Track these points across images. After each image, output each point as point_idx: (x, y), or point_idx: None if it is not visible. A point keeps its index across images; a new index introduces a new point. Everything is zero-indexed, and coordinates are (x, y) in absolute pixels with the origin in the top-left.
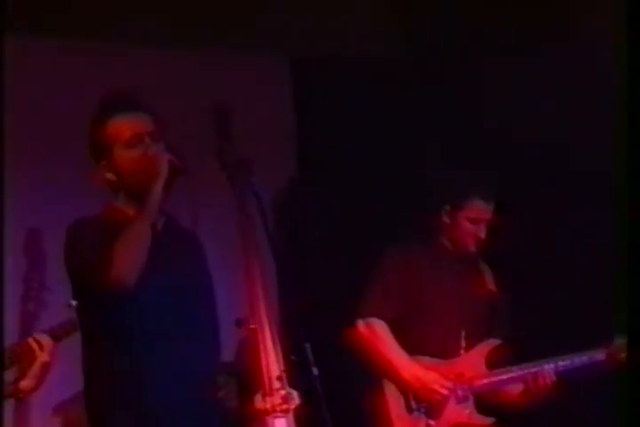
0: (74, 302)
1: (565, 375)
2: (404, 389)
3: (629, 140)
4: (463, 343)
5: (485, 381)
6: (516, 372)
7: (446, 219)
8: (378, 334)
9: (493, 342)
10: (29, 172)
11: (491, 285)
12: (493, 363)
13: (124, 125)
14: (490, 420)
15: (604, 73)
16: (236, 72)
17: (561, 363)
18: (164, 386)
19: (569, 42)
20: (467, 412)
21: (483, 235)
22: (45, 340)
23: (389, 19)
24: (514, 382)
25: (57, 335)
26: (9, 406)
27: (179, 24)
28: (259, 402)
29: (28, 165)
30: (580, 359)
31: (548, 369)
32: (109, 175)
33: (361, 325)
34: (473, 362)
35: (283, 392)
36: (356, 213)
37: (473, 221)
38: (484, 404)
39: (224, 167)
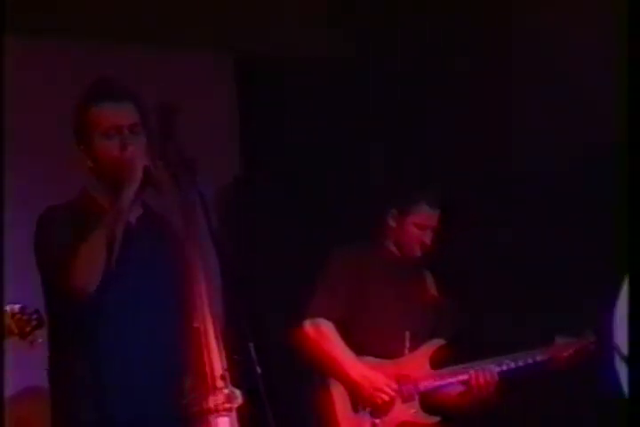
0: (8, 309)
1: (508, 375)
2: (352, 388)
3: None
4: (407, 344)
5: (429, 380)
6: (459, 371)
7: (392, 223)
8: (325, 335)
9: (437, 342)
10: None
11: (432, 289)
12: (437, 363)
13: (105, 114)
14: (434, 419)
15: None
16: (180, 71)
17: (504, 362)
18: (127, 389)
19: (512, 42)
20: (412, 411)
21: (428, 241)
22: None
23: (332, 18)
24: (458, 380)
25: None
26: None
27: (126, 20)
28: (202, 401)
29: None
30: (522, 359)
31: (489, 369)
32: (88, 162)
33: (308, 325)
34: (417, 362)
35: (226, 391)
36: (300, 213)
37: (419, 226)
38: (429, 403)
39: (168, 166)
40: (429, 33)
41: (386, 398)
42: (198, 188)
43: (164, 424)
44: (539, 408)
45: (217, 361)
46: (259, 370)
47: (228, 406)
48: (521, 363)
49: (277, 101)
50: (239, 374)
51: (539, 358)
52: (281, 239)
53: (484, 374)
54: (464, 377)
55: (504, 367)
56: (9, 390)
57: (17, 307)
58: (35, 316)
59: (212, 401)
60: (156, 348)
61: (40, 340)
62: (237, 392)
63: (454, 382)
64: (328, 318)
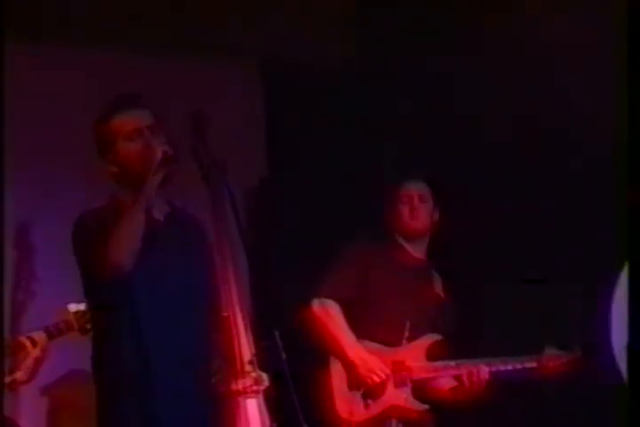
0: (72, 307)
1: (498, 376)
2: (348, 367)
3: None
4: (406, 334)
5: (423, 370)
6: (452, 366)
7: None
8: (331, 315)
9: (435, 336)
10: (20, 174)
11: (438, 289)
12: (433, 356)
13: (125, 121)
14: (424, 407)
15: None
16: (210, 77)
17: (495, 363)
18: (164, 372)
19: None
20: (403, 396)
21: (424, 214)
22: (40, 336)
23: (352, 22)
24: (450, 374)
25: (52, 333)
26: None
27: (154, 30)
28: (232, 384)
29: (20, 166)
30: (513, 363)
31: (482, 367)
32: (113, 168)
33: (316, 304)
34: (414, 352)
35: (254, 375)
36: (320, 209)
37: (408, 198)
38: (421, 392)
39: (200, 167)
40: (445, 36)
41: (377, 380)
42: (228, 187)
43: (197, 403)
44: (525, 406)
45: (245, 347)
46: (283, 356)
47: (255, 388)
48: (510, 367)
49: (300, 106)
50: (266, 359)
51: (527, 364)
52: (302, 233)
53: (477, 371)
54: (456, 372)
55: (494, 368)
56: (55, 374)
57: (82, 305)
58: None
59: (240, 384)
60: (187, 332)
61: None
62: (264, 376)
63: (446, 374)
64: (335, 300)
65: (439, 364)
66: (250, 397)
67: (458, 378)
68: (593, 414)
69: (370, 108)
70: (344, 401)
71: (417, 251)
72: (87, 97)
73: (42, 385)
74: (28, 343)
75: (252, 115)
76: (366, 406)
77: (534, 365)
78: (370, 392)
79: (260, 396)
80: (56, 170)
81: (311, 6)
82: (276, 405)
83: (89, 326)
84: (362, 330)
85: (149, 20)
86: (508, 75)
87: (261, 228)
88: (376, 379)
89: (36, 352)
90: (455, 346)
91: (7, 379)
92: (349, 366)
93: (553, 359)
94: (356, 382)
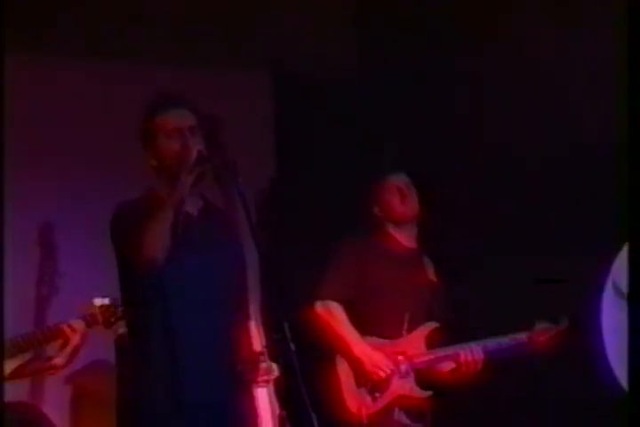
0: (97, 301)
1: (493, 356)
2: (355, 365)
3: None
4: (406, 326)
5: (424, 358)
6: (450, 351)
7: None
8: (334, 316)
9: (432, 324)
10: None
11: (432, 275)
12: (432, 343)
13: (168, 119)
14: (427, 393)
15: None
16: (224, 86)
17: (489, 344)
18: (195, 356)
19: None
20: (408, 386)
21: (411, 203)
22: (79, 325)
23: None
24: (448, 359)
25: (89, 322)
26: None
27: (171, 41)
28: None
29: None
30: (505, 341)
31: (477, 349)
32: (153, 162)
33: (319, 306)
34: (414, 342)
35: (264, 365)
36: (326, 208)
37: (390, 191)
38: (423, 379)
39: (213, 169)
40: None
41: (382, 375)
42: (239, 188)
43: (223, 391)
44: (522, 386)
45: (257, 339)
46: (292, 347)
47: (266, 377)
48: (504, 345)
49: (306, 111)
50: (276, 350)
51: (519, 341)
52: (309, 231)
53: (472, 353)
54: (455, 357)
55: (489, 349)
56: (78, 364)
57: (106, 300)
58: (120, 309)
59: (251, 374)
60: (215, 324)
61: (121, 330)
62: (274, 366)
63: (445, 359)
64: (337, 301)
65: (438, 351)
66: (261, 386)
67: (456, 360)
68: (586, 388)
69: (371, 109)
70: (353, 397)
71: (408, 240)
72: (112, 102)
73: (66, 374)
74: (68, 330)
75: (261, 119)
76: (374, 399)
77: (525, 341)
78: (376, 386)
79: (271, 385)
80: (79, 170)
81: (311, 7)
82: (285, 394)
83: (113, 320)
84: (364, 326)
85: (165, 31)
86: (507, 74)
87: (271, 225)
88: (382, 374)
89: (75, 339)
90: (451, 331)
91: (46, 364)
92: (356, 364)
93: (543, 333)
94: (362, 378)
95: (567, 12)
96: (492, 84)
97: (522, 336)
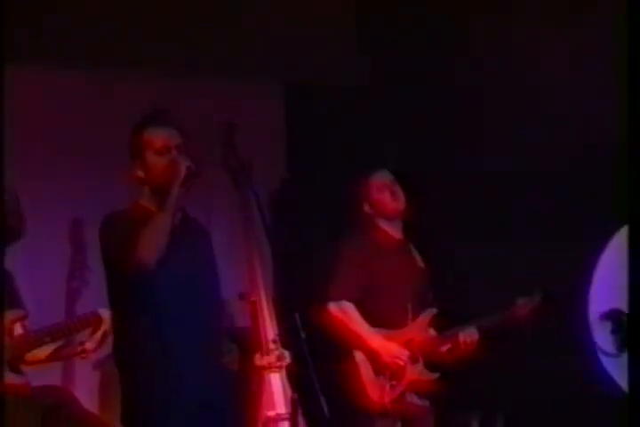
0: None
1: (486, 333)
2: (372, 357)
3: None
4: (410, 314)
5: (429, 343)
6: (449, 334)
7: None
8: (348, 314)
9: (433, 310)
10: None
11: (420, 263)
12: (435, 327)
13: (157, 136)
14: (435, 375)
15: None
16: (238, 96)
17: (482, 323)
18: (181, 350)
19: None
20: (418, 371)
21: (397, 200)
22: (107, 313)
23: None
24: (449, 341)
25: None
26: (58, 364)
27: (186, 53)
28: (257, 360)
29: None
30: (494, 318)
31: (473, 330)
32: (139, 172)
33: (333, 307)
34: (419, 329)
35: (277, 352)
36: (334, 207)
37: (378, 188)
38: (430, 362)
39: (229, 172)
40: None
41: (401, 363)
42: (253, 188)
43: (208, 379)
44: (519, 363)
45: (270, 328)
46: (303, 335)
47: (278, 364)
48: (494, 323)
49: (315, 118)
50: (288, 338)
51: (504, 317)
52: (318, 229)
53: (470, 334)
54: (454, 339)
55: (483, 328)
56: (106, 350)
57: None
58: None
59: (265, 360)
60: (201, 320)
61: None
62: (286, 353)
63: (447, 343)
64: (348, 300)
65: (440, 335)
66: (274, 371)
67: (455, 341)
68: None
69: (372, 110)
70: (374, 387)
71: (396, 232)
72: (127, 109)
73: (94, 360)
74: (96, 319)
75: (274, 126)
76: (392, 386)
77: (508, 316)
78: (394, 374)
79: (283, 371)
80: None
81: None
82: (296, 379)
83: None
84: (374, 320)
85: (180, 45)
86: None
87: (284, 223)
88: (400, 363)
89: (104, 327)
90: (447, 314)
91: (78, 349)
92: (373, 356)
93: (522, 308)
94: (381, 368)
95: (567, 12)
96: (492, 84)
97: (507, 312)
